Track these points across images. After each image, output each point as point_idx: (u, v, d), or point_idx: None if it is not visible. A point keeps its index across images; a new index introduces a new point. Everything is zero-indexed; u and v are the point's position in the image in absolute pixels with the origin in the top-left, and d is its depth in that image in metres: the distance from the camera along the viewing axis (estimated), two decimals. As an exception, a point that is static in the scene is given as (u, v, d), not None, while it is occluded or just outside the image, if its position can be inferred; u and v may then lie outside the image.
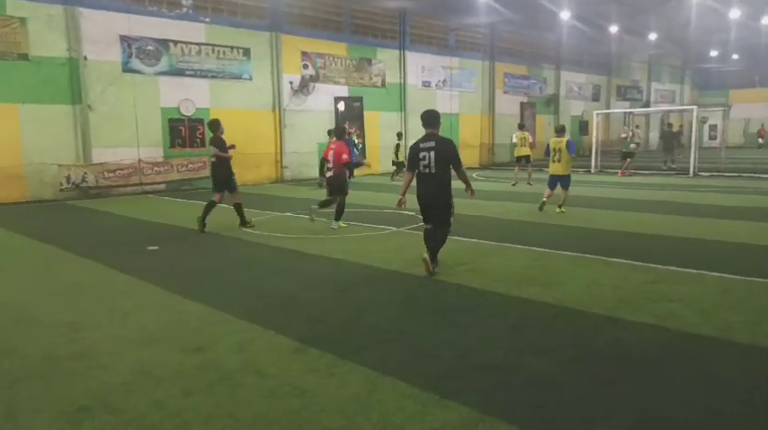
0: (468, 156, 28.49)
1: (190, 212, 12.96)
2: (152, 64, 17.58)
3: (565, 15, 28.67)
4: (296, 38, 21.11)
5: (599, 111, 26.61)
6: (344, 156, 10.24)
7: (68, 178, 15.73)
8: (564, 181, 11.70)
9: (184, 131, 18.42)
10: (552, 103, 33.43)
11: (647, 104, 40.42)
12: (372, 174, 23.44)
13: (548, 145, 12.10)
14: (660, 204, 12.60)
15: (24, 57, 15.20)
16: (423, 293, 6.05)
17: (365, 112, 23.50)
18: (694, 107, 23.33)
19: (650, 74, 41.90)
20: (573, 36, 32.40)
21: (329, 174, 10.42)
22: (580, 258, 7.49)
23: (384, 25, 24.38)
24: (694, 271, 6.68)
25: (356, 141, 19.45)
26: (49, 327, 5.11)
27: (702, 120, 21.41)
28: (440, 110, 25.39)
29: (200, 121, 18.65)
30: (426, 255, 6.66)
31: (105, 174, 16.32)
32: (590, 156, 24.89)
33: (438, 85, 26.78)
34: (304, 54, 21.53)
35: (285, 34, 20.74)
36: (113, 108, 16.71)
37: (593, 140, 24.75)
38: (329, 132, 18.30)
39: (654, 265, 6.95)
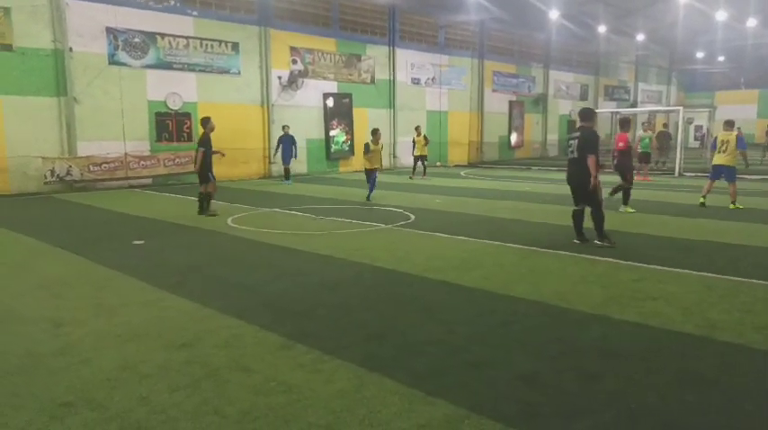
0: (457, 154, 28.60)
1: (176, 207, 12.88)
2: (139, 57, 17.40)
3: (554, 15, 28.80)
4: (285, 33, 21.00)
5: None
6: None
7: (53, 171, 15.54)
8: (728, 172, 11.93)
9: (171, 125, 18.25)
10: (540, 101, 33.60)
11: (634, 105, 40.76)
12: (362, 171, 23.40)
13: (715, 138, 12.45)
14: (644, 203, 12.70)
15: (8, 47, 14.98)
16: (411, 291, 6.05)
17: (354, 109, 23.43)
18: (680, 108, 23.54)
19: (637, 74, 42.24)
20: (561, 35, 32.59)
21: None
22: (568, 257, 7.54)
23: (373, 21, 24.32)
24: (678, 270, 6.75)
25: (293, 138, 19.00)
26: (31, 323, 5.05)
27: (689, 121, 21.48)
28: (428, 107, 25.49)
29: (188, 115, 18.51)
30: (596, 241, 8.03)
31: (91, 167, 16.13)
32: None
33: (427, 83, 26.80)
34: (293, 49, 21.42)
35: (274, 29, 20.62)
36: (99, 101, 16.53)
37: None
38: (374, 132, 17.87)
39: (638, 264, 7.02)
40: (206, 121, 11.33)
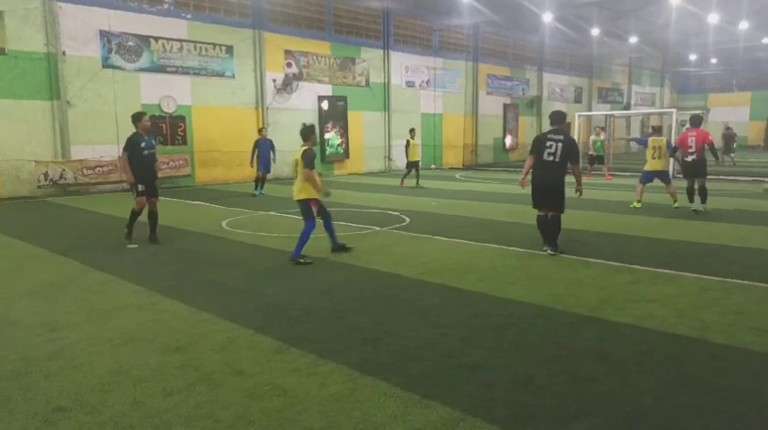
0: (452, 157, 28.64)
1: (170, 210, 12.83)
2: (133, 60, 17.37)
3: (547, 17, 28.90)
4: (279, 36, 21.00)
5: (581, 113, 26.85)
6: None
7: (46, 175, 15.48)
8: (663, 175, 12.35)
9: (165, 129, 18.21)
10: (535, 104, 33.70)
11: (627, 107, 40.95)
12: (357, 174, 23.42)
13: (644, 140, 12.86)
14: (638, 206, 12.73)
15: (1, 51, 14.92)
16: (406, 294, 6.05)
17: (349, 112, 23.45)
18: (674, 110, 23.65)
19: (631, 76, 42.45)
20: (555, 38, 32.74)
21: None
22: (563, 259, 7.55)
23: (368, 25, 24.36)
24: (673, 271, 6.78)
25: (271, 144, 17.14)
26: (24, 328, 5.02)
27: (682, 123, 21.57)
28: (423, 110, 25.41)
29: (182, 119, 18.49)
30: (547, 248, 7.78)
31: (84, 171, 16.07)
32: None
33: (422, 86, 26.84)
34: (287, 52, 21.42)
35: (268, 32, 20.63)
36: (93, 104, 16.48)
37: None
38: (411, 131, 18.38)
39: (633, 266, 7.04)
40: (137, 118, 8.82)
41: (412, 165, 18.04)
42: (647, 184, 12.66)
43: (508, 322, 5.06)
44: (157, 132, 17.96)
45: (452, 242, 8.77)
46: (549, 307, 5.45)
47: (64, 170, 15.69)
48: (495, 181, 20.59)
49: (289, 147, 21.47)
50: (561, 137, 7.70)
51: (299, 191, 7.48)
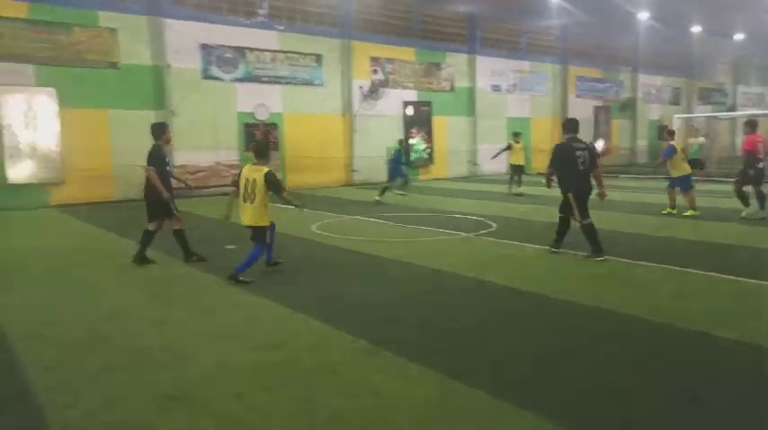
0: (540, 162, 27.86)
1: (263, 214, 13.40)
2: (229, 71, 18.33)
3: (643, 16, 27.60)
4: (366, 44, 21.41)
5: (679, 116, 25.40)
6: None
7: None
8: (681, 182, 11.82)
9: (259, 135, 19.01)
10: (629, 106, 32.23)
11: (732, 108, 38.21)
12: (441, 179, 23.39)
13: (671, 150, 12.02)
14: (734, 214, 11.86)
15: (114, 65, 16.22)
16: (497, 300, 5.99)
17: (433, 117, 23.49)
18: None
19: (736, 76, 39.60)
20: (651, 37, 31.12)
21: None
22: (661, 269, 7.19)
23: (453, 30, 24.31)
24: (787, 285, 6.28)
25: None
26: (138, 321, 5.43)
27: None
28: (510, 114, 24.89)
29: (274, 126, 19.27)
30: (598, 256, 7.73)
31: (185, 175, 17.10)
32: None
33: (508, 89, 26.42)
34: (374, 59, 21.79)
35: (356, 40, 21.09)
36: (193, 113, 17.53)
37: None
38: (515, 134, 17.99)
39: (740, 278, 6.58)
40: (160, 129, 8.16)
41: (516, 170, 17.03)
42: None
43: (606, 333, 4.89)
44: (251, 139, 18.86)
45: (542, 249, 8.56)
46: (649, 319, 5.21)
47: (167, 175, 16.77)
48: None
49: (375, 152, 21.97)
50: (584, 146, 7.93)
51: (256, 217, 6.81)
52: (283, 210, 12.63)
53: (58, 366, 4.29)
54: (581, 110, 29.66)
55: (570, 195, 7.84)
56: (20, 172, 15.01)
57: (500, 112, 26.12)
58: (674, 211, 11.94)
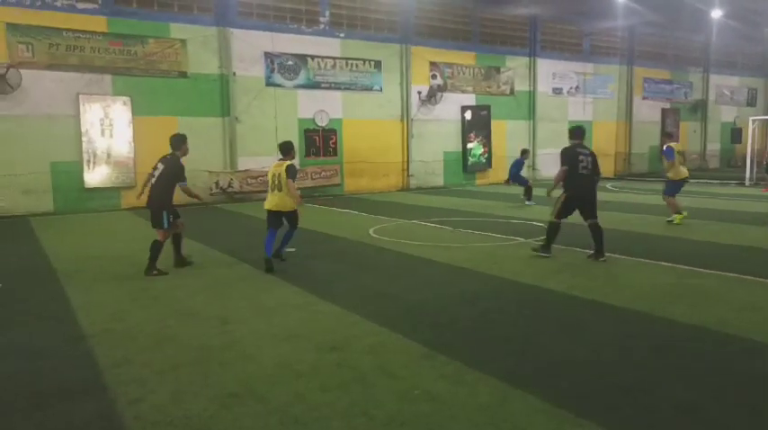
0: (603, 166, 27.05)
1: (322, 217, 13.66)
2: (291, 78, 18.78)
3: (715, 14, 26.34)
4: (425, 48, 21.44)
5: (755, 118, 24.06)
6: None
7: (217, 183, 17.23)
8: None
9: (318, 141, 19.42)
10: (699, 108, 30.84)
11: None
12: (499, 184, 23.07)
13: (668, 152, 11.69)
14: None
15: (184, 74, 16.94)
16: (554, 307, 5.88)
17: (492, 121, 23.23)
18: None
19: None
20: (724, 36, 29.65)
21: None
22: (734, 279, 6.85)
23: (514, 33, 24.00)
24: None
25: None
26: (202, 319, 5.65)
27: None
28: (571, 117, 24.34)
29: (334, 131, 19.59)
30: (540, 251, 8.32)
31: (248, 180, 17.66)
32: (743, 167, 22.62)
33: (570, 92, 25.81)
34: (432, 64, 21.79)
35: (414, 45, 21.15)
36: (257, 119, 18.06)
37: (748, 149, 22.44)
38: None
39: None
40: (182, 140, 8.16)
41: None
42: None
43: (669, 344, 4.72)
44: (311, 145, 19.27)
45: (606, 256, 8.32)
46: (716, 330, 4.99)
47: (232, 179, 17.38)
48: (650, 192, 19.15)
49: (432, 157, 21.96)
50: (588, 151, 8.25)
51: (283, 202, 8.04)
52: (341, 214, 12.83)
53: (128, 362, 4.52)
54: (648, 112, 28.65)
55: (564, 195, 8.18)
56: (96, 176, 15.89)
57: (561, 116, 25.54)
58: (685, 214, 11.38)
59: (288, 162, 8.06)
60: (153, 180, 7.84)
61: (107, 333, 5.25)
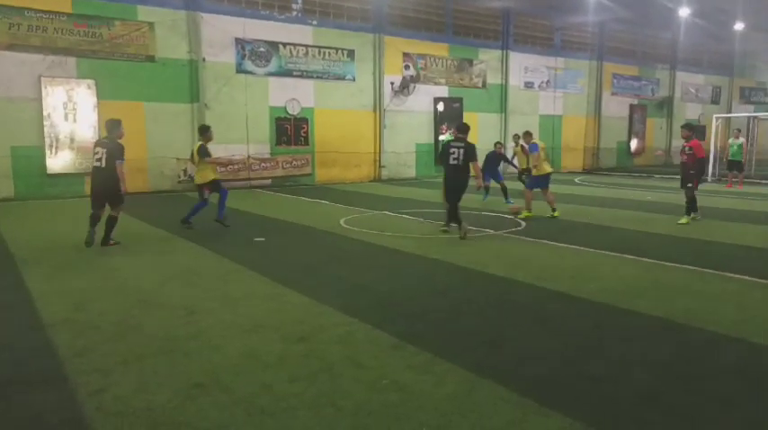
0: (571, 160, 27.55)
1: (293, 207, 13.54)
2: (263, 65, 18.51)
3: (683, 12, 26.88)
4: (398, 39, 21.37)
5: (719, 115, 24.70)
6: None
7: (185, 171, 16.91)
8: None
9: (290, 130, 19.21)
10: (665, 105, 31.51)
11: (774, 108, 36.98)
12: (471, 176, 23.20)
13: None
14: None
15: (151, 58, 16.54)
16: (523, 299, 5.93)
17: (464, 113, 23.30)
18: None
19: (779, 74, 38.30)
20: (691, 34, 30.31)
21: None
22: (696, 272, 7.02)
23: (487, 25, 24.10)
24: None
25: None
26: (167, 309, 5.53)
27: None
28: (542, 111, 24.50)
29: (305, 120, 19.40)
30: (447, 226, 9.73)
31: (218, 168, 17.24)
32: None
33: (541, 86, 26.08)
34: (405, 55, 21.74)
35: (388, 35, 21.06)
36: (227, 107, 17.77)
37: (711, 147, 23.01)
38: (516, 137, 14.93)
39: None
40: (117, 125, 8.78)
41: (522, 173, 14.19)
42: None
43: (634, 335, 4.81)
44: (282, 133, 19.05)
45: (571, 248, 8.46)
46: (681, 322, 5.09)
47: (200, 167, 17.05)
48: (617, 186, 19.54)
49: (404, 148, 21.95)
50: (462, 144, 9.30)
51: (199, 177, 10.18)
52: (312, 204, 12.75)
53: (90, 352, 4.39)
54: (616, 108, 29.14)
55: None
56: (59, 161, 15.44)
57: (532, 110, 25.82)
58: (532, 214, 11.64)
59: (200, 142, 10.07)
60: (101, 164, 8.35)
61: (68, 322, 5.10)
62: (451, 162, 9.26)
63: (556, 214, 11.55)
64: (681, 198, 11.26)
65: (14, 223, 11.07)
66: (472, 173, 9.46)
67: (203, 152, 9.88)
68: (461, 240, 9.05)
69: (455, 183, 9.32)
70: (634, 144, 30.33)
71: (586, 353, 4.39)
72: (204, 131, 10.33)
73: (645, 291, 6.15)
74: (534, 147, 11.68)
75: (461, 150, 9.21)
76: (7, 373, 4.01)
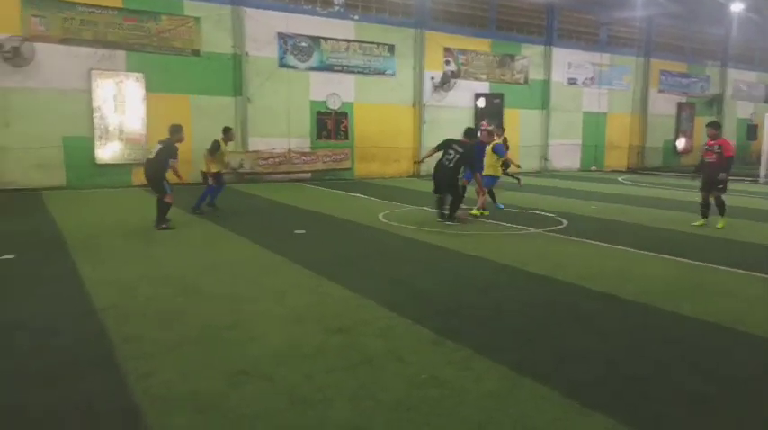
0: (615, 159, 26.94)
1: (332, 200, 13.65)
2: (304, 60, 18.67)
3: (735, 7, 25.88)
4: (440, 34, 21.24)
5: (772, 114, 23.70)
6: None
7: (228, 164, 17.18)
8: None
9: (330, 124, 19.35)
10: (715, 103, 30.44)
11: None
12: (510, 174, 22.91)
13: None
14: None
15: (196, 53, 16.89)
16: (564, 298, 5.85)
17: (505, 109, 23.02)
18: None
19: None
20: (743, 30, 29.16)
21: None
22: (743, 275, 6.80)
23: (531, 20, 23.72)
24: None
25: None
26: (211, 298, 5.66)
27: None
28: (585, 108, 24.06)
29: (345, 115, 19.50)
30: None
31: (259, 161, 17.65)
32: (758, 164, 22.37)
33: (585, 83, 25.54)
34: (447, 50, 21.60)
35: (429, 30, 20.96)
36: (268, 101, 18.00)
37: (763, 146, 22.14)
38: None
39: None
40: (178, 130, 9.81)
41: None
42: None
43: (677, 337, 4.69)
44: (323, 128, 19.23)
45: (613, 248, 8.28)
46: (727, 326, 4.94)
47: (243, 160, 17.36)
48: (662, 186, 19.02)
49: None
50: (462, 150, 9.85)
51: (206, 166, 11.49)
52: (354, 198, 12.83)
53: (138, 338, 4.54)
54: (663, 105, 28.33)
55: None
56: (107, 152, 15.94)
57: (575, 106, 25.33)
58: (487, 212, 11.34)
59: (216, 140, 11.60)
60: (152, 156, 9.59)
61: (116, 308, 5.27)
62: (444, 161, 9.90)
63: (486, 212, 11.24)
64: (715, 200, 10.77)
65: (66, 211, 11.49)
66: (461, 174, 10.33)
67: (211, 148, 11.49)
68: (453, 227, 9.75)
69: (441, 180, 10.01)
70: (681, 143, 29.42)
71: (629, 354, 4.31)
72: (226, 131, 11.89)
73: (689, 293, 5.99)
74: (501, 148, 11.62)
75: (458, 156, 9.82)
76: (64, 356, 4.17)
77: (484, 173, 11.17)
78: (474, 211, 11.16)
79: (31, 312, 5.17)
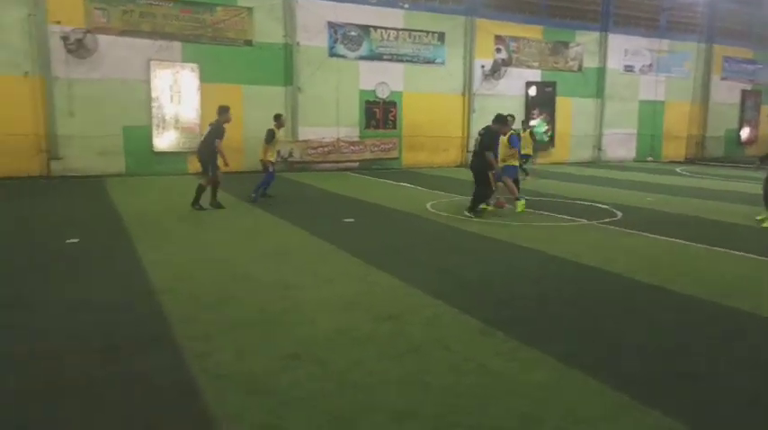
0: (673, 149, 25.99)
1: (380, 189, 13.72)
2: (354, 49, 18.74)
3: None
4: (491, 22, 20.92)
5: None
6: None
7: (278, 152, 17.48)
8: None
9: (378, 113, 19.40)
10: (783, 91, 28.86)
11: None
12: (561, 163, 22.48)
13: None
14: None
15: (249, 43, 17.20)
16: (616, 291, 5.73)
17: (557, 98, 22.52)
18: None
19: None
20: (817, 12, 27.47)
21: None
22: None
23: (585, 6, 23.04)
24: None
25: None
26: (262, 284, 5.82)
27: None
28: (642, 96, 23.24)
29: (393, 104, 19.50)
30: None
31: (309, 150, 17.89)
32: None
33: (642, 70, 24.66)
34: (497, 38, 21.25)
35: (480, 18, 20.66)
36: (319, 90, 18.18)
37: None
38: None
39: None
40: (225, 110, 10.42)
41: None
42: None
43: (735, 334, 4.54)
44: (371, 117, 19.30)
45: (669, 241, 8.03)
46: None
47: (292, 149, 17.65)
48: (723, 177, 18.24)
49: (493, 133, 21.51)
50: (483, 133, 9.86)
51: (262, 154, 12.06)
52: (402, 188, 12.86)
53: (194, 319, 4.72)
54: (726, 93, 27.08)
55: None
56: (164, 140, 16.48)
57: (631, 95, 24.52)
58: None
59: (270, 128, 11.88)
60: (203, 138, 10.38)
61: (173, 291, 5.48)
62: (476, 148, 10.05)
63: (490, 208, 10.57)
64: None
65: (126, 197, 11.98)
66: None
67: (267, 137, 11.80)
68: (478, 218, 9.70)
69: (472, 168, 10.09)
70: (745, 133, 28.08)
71: (682, 350, 4.20)
72: (277, 118, 12.19)
73: (746, 289, 5.77)
74: (515, 140, 10.94)
75: (480, 139, 9.88)
76: (123, 335, 4.40)
77: (500, 163, 10.49)
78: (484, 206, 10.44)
79: (94, 292, 5.45)
